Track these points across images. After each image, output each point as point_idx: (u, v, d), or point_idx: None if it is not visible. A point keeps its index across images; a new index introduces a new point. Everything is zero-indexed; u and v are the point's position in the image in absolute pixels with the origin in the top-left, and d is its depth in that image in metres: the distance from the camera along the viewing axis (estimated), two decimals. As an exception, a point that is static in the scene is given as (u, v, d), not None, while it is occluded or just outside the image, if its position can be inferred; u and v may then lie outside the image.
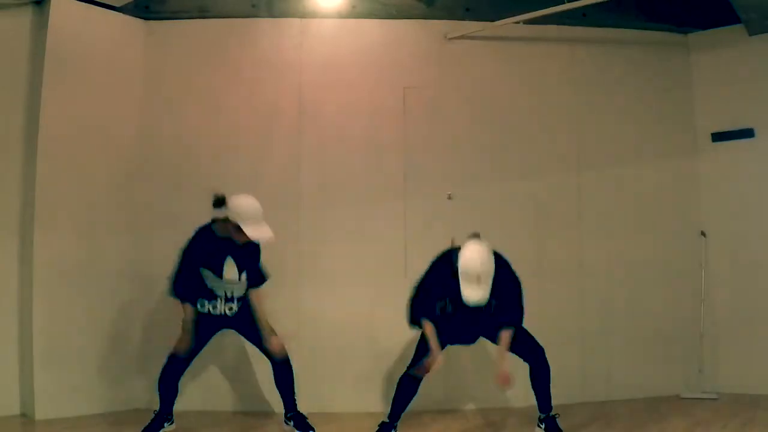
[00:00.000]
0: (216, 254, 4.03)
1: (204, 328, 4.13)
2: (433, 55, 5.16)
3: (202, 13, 5.10)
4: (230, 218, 3.93)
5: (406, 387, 3.99)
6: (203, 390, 4.75)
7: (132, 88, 4.99)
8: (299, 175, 5.01)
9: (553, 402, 4.09)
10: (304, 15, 5.12)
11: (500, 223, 4.93)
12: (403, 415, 4.01)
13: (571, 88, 5.26)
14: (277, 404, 4.77)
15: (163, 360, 4.09)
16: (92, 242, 4.70)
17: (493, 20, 5.11)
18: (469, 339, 4.14)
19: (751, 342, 5.15)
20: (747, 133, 5.29)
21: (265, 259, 4.24)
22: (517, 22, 5.04)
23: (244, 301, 4.16)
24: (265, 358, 4.23)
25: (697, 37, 5.52)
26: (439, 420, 4.51)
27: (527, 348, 4.03)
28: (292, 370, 4.19)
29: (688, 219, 5.40)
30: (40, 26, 4.64)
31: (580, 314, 5.12)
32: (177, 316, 4.22)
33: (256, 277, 4.19)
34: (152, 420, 4.07)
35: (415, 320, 4.08)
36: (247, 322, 4.18)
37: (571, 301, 5.11)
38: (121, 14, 4.92)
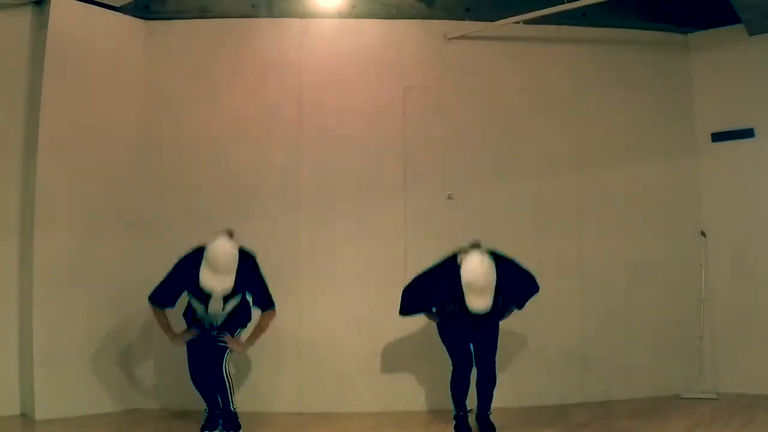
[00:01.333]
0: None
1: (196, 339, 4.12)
2: (433, 55, 5.16)
3: (202, 13, 5.10)
4: None
5: (457, 384, 4.21)
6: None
7: (132, 88, 4.99)
8: (299, 175, 5.01)
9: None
10: (304, 15, 5.12)
11: (500, 223, 4.94)
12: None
13: (571, 88, 5.26)
14: (277, 404, 4.80)
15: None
16: (92, 242, 4.70)
17: (493, 20, 5.11)
18: (474, 340, 4.25)
19: (751, 342, 5.15)
20: (747, 133, 5.29)
21: (264, 258, 4.23)
22: (517, 22, 5.04)
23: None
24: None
25: (697, 37, 5.52)
26: (439, 420, 4.51)
27: (489, 356, 4.20)
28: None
29: (688, 219, 5.40)
30: (40, 26, 4.64)
31: (580, 314, 5.11)
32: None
33: (261, 301, 4.16)
34: (206, 418, 4.14)
35: (407, 311, 4.32)
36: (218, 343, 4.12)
37: (572, 301, 5.11)
38: (121, 14, 4.93)
